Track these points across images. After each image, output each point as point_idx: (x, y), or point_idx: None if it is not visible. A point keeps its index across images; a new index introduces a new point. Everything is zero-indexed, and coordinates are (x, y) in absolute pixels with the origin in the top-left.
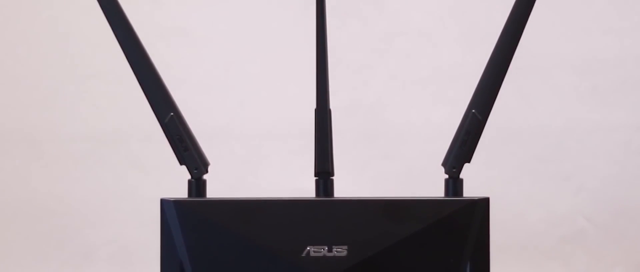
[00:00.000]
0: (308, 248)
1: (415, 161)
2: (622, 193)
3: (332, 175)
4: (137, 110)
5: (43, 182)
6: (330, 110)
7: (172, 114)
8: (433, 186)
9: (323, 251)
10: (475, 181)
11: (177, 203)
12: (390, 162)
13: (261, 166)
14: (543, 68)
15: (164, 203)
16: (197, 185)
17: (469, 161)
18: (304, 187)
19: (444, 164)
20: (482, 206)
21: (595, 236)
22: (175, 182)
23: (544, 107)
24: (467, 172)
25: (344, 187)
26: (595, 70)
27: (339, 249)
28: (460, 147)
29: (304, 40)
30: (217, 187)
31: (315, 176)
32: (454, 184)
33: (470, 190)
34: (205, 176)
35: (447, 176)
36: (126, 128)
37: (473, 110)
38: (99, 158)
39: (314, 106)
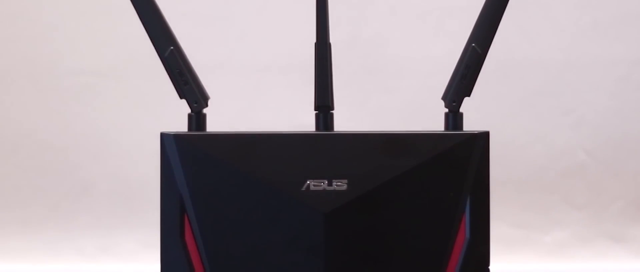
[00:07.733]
0: (308, 182)
1: (415, 95)
2: (622, 127)
3: (332, 109)
4: (137, 44)
5: (42, 116)
6: (330, 44)
7: (172, 47)
8: (433, 120)
9: (323, 184)
10: (475, 115)
11: (177, 137)
12: (390, 97)
13: (261, 99)
14: (543, 2)
15: (164, 137)
16: (197, 119)
17: (469, 95)
18: (304, 121)
19: (443, 98)
20: (482, 139)
21: (595, 169)
22: (175, 116)
23: (544, 41)
24: (467, 107)
25: (344, 122)
26: (595, 3)
27: (339, 183)
28: (460, 81)
29: None
30: (217, 121)
31: (315, 110)
32: (453, 118)
33: (470, 124)
34: (205, 110)
35: (447, 110)
36: (126, 62)
37: (473, 44)
38: (99, 92)
39: (314, 40)
